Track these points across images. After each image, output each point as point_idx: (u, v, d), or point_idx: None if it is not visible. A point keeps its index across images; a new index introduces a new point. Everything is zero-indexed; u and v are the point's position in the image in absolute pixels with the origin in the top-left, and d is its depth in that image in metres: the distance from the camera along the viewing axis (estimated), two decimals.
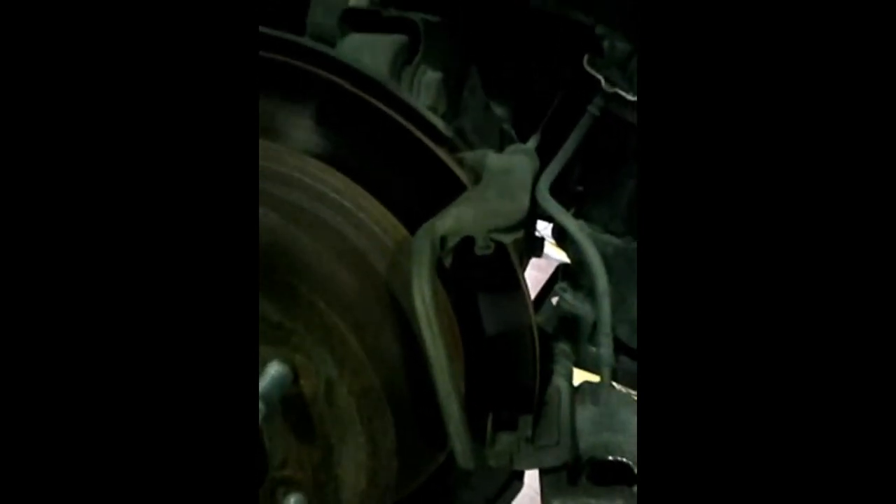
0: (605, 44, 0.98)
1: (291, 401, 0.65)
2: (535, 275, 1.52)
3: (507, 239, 0.65)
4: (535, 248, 1.34)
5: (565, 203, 1.20)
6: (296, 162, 0.70)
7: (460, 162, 0.72)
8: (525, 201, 0.65)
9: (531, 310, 0.74)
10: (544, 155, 1.09)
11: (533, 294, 1.24)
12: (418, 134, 0.68)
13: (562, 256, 1.23)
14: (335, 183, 0.71)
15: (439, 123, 0.69)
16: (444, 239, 0.65)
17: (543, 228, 1.33)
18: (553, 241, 1.25)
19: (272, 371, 0.63)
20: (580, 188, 1.18)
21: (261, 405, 0.59)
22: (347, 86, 0.67)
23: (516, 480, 0.83)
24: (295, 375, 0.64)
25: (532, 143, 1.12)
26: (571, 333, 1.12)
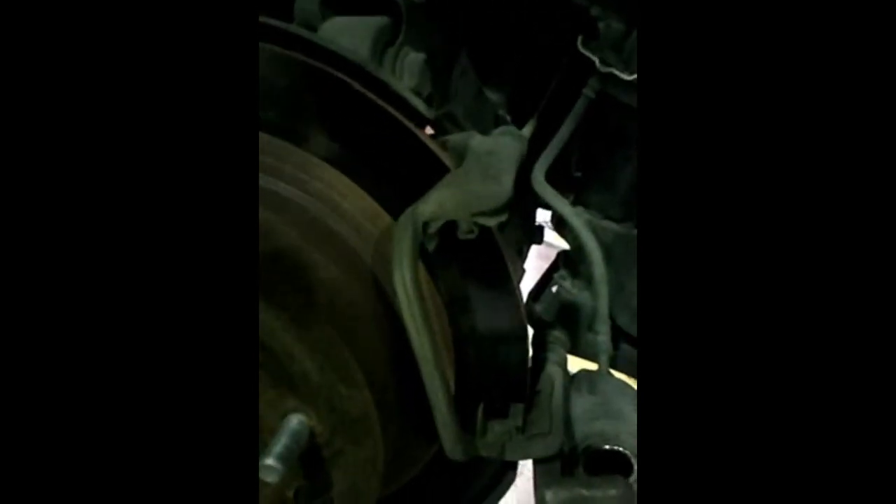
0: (601, 25, 0.96)
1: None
2: (537, 262, 1.50)
3: (490, 222, 0.63)
4: (535, 235, 1.32)
5: (564, 189, 1.18)
6: (278, 151, 0.69)
7: (444, 145, 0.70)
8: (509, 183, 0.63)
9: (520, 295, 0.72)
10: (542, 140, 1.07)
11: (533, 282, 1.22)
12: (398, 116, 0.66)
13: (563, 244, 1.21)
14: (316, 170, 0.69)
15: (420, 105, 0.68)
16: (426, 224, 0.64)
17: (544, 215, 1.31)
18: (553, 228, 1.24)
19: (291, 425, 0.62)
20: (579, 174, 1.16)
21: (278, 466, 0.59)
22: (326, 68, 0.65)
23: (510, 471, 0.81)
24: (311, 431, 0.64)
25: (528, 128, 1.09)
26: (571, 322, 1.10)
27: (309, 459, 0.65)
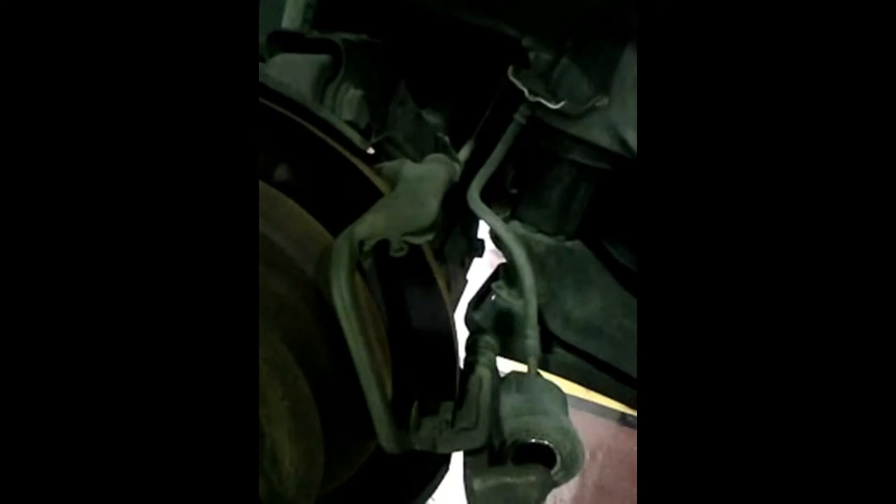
0: (531, 55, 1.05)
1: None
2: (486, 272, 1.59)
3: (418, 240, 0.72)
4: (477, 248, 1.41)
5: (503, 205, 1.27)
6: None
7: (379, 171, 0.78)
8: (434, 207, 0.72)
9: (448, 303, 0.81)
10: (480, 160, 1.15)
11: (474, 291, 1.31)
12: (338, 147, 0.74)
13: None
14: (265, 193, 0.77)
15: (355, 137, 0.76)
16: (362, 243, 0.72)
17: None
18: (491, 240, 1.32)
19: None
20: (514, 191, 1.25)
21: None
22: (272, 105, 0.73)
23: (444, 465, 0.89)
24: None
25: (466, 149, 1.18)
26: (507, 327, 1.19)
27: None
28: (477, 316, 1.22)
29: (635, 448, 2.64)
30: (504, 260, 1.25)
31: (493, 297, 1.24)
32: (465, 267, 1.35)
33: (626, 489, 2.38)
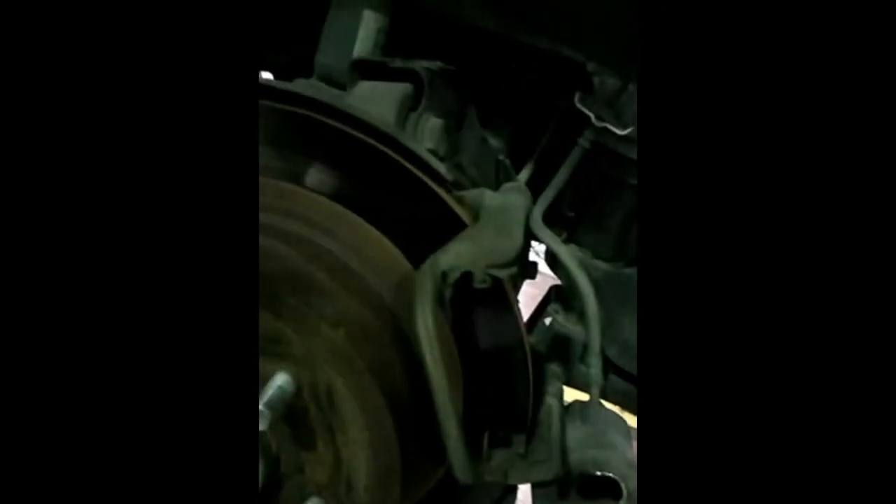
0: (596, 80, 1.05)
1: (297, 411, 0.70)
2: (529, 290, 1.59)
3: (502, 274, 0.72)
4: (529, 270, 1.40)
5: (558, 228, 1.27)
6: (309, 202, 0.77)
7: (460, 200, 0.78)
8: (519, 238, 0.72)
9: (525, 336, 0.81)
10: (539, 182, 1.15)
11: (527, 312, 1.30)
12: (422, 176, 0.74)
13: (552, 273, 1.28)
14: (348, 220, 0.77)
15: (441, 168, 0.76)
16: (445, 273, 0.72)
17: (537, 250, 1.39)
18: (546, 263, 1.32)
19: (277, 382, 0.68)
20: (572, 214, 1.24)
21: (267, 412, 0.64)
22: (359, 135, 0.73)
23: (510, 494, 0.89)
24: (298, 388, 0.70)
25: (526, 172, 1.18)
26: (563, 353, 1.18)
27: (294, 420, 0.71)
28: (532, 340, 1.21)
29: None
30: (558, 282, 1.24)
31: (548, 321, 1.23)
32: (518, 289, 1.34)
33: None
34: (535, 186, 1.14)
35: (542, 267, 1.45)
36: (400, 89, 0.80)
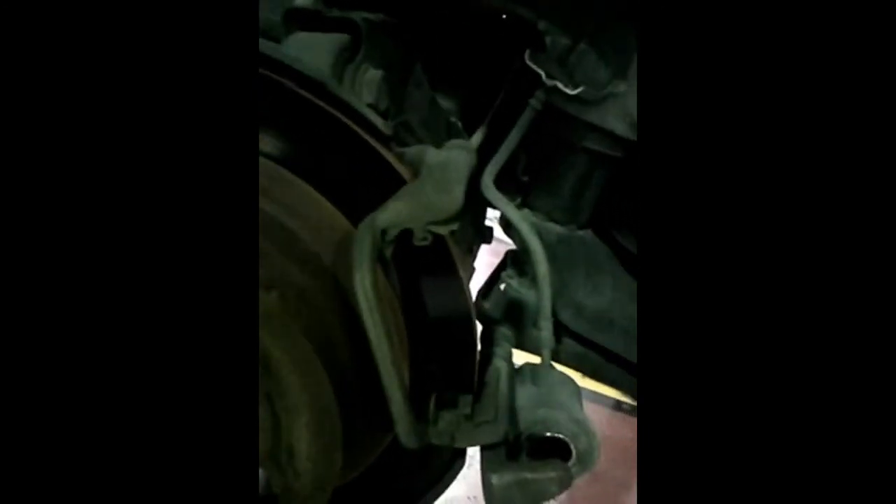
0: (547, 39, 1.02)
1: None
2: (489, 259, 1.58)
3: (443, 230, 0.69)
4: (485, 235, 1.38)
5: (512, 192, 1.25)
6: None
7: (401, 157, 0.76)
8: (459, 195, 0.69)
9: (469, 296, 0.79)
10: (491, 146, 1.13)
11: (483, 280, 1.29)
12: (359, 131, 0.71)
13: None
14: (282, 178, 0.74)
15: (378, 121, 0.73)
16: (384, 231, 0.69)
17: (493, 217, 1.38)
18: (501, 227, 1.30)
19: None
20: (525, 178, 1.22)
21: None
22: (291, 85, 0.70)
23: (459, 459, 0.88)
24: None
25: (478, 135, 1.16)
26: (516, 318, 1.17)
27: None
28: (487, 305, 1.19)
29: (629, 434, 2.65)
30: (514, 247, 1.23)
31: (502, 286, 1.21)
32: (473, 254, 1.32)
33: (619, 475, 2.39)
34: (490, 150, 1.12)
35: (499, 233, 1.44)
36: (336, 39, 0.76)
